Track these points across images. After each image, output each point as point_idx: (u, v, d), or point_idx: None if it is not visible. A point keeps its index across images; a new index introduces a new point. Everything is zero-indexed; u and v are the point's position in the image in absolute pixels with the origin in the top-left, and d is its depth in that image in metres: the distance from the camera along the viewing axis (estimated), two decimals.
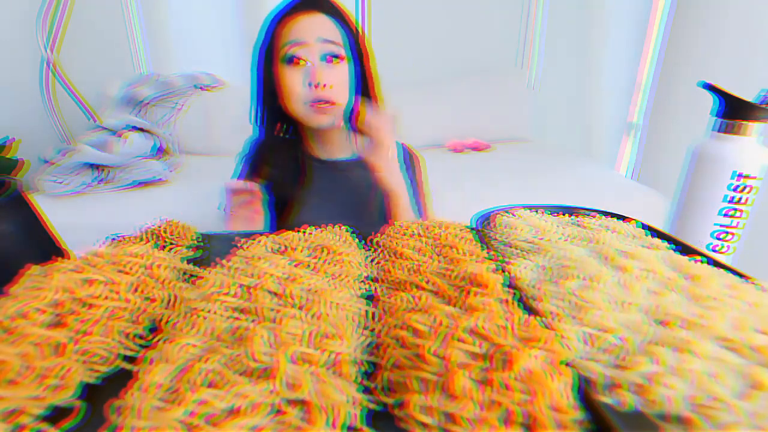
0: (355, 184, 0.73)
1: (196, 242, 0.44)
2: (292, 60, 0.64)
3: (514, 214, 0.48)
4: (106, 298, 0.30)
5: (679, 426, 0.21)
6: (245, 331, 0.26)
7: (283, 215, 0.70)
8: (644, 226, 0.46)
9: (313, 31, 0.63)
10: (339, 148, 0.74)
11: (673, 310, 0.29)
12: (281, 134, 0.73)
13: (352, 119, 0.69)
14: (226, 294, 0.31)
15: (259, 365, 0.24)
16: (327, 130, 0.70)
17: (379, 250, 0.41)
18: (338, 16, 0.66)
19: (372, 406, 0.23)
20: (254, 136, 0.75)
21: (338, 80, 0.66)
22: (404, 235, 0.43)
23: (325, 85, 0.64)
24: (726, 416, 0.21)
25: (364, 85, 0.70)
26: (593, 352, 0.26)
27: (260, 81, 0.69)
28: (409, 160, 0.78)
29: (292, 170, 0.71)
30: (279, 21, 0.65)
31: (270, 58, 0.66)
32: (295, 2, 0.65)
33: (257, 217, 0.65)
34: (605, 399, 0.23)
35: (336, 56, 0.65)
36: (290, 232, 0.44)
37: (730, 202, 0.48)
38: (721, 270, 0.36)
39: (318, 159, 0.73)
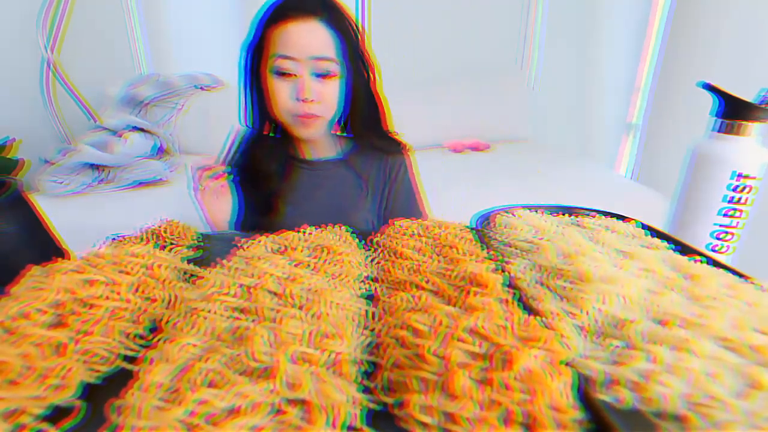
0: (340, 183, 0.72)
1: (196, 242, 0.44)
2: (280, 73, 0.62)
3: (514, 214, 0.48)
4: (107, 298, 0.30)
5: (676, 424, 0.21)
6: (245, 330, 0.26)
7: (269, 213, 0.70)
8: (644, 226, 0.46)
9: (305, 46, 0.60)
10: (324, 149, 0.73)
11: (673, 309, 0.29)
12: (270, 134, 0.72)
13: (336, 126, 0.68)
14: (226, 294, 0.31)
15: (259, 365, 0.24)
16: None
17: (379, 250, 0.41)
18: (334, 21, 0.62)
19: (372, 405, 0.23)
20: (245, 131, 0.74)
21: (327, 95, 0.64)
22: (404, 235, 0.43)
23: (313, 100, 0.62)
24: (723, 415, 0.21)
25: (357, 97, 0.68)
26: (592, 348, 0.26)
27: (248, 82, 0.67)
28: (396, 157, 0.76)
29: (277, 168, 0.70)
30: (270, 23, 0.62)
31: (259, 60, 0.64)
32: (287, 4, 0.61)
33: (225, 191, 0.65)
34: (604, 397, 0.23)
35: (327, 73, 0.63)
36: (290, 232, 0.44)
37: (729, 202, 0.48)
38: (721, 270, 0.36)
39: (303, 159, 0.73)
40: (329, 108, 0.65)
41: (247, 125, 0.71)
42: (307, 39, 0.61)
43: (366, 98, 0.69)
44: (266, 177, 0.69)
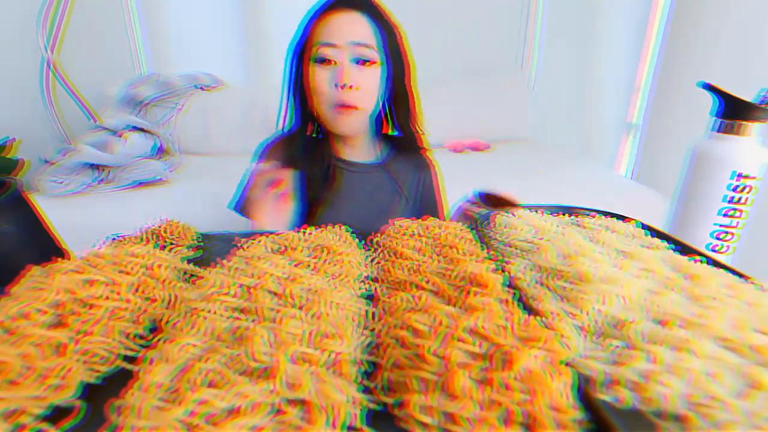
0: (378, 188, 0.72)
1: (196, 242, 0.44)
2: (322, 60, 0.63)
3: (514, 214, 0.48)
4: (107, 298, 0.30)
5: (676, 424, 0.21)
6: (245, 330, 0.26)
7: (307, 215, 0.70)
8: (644, 226, 0.46)
9: (345, 33, 0.62)
10: (363, 152, 0.73)
11: (673, 309, 0.29)
12: (313, 134, 0.72)
13: (378, 125, 0.68)
14: (226, 294, 0.31)
15: (259, 365, 0.24)
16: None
17: (379, 250, 0.41)
18: (375, 15, 0.64)
19: (372, 406, 0.23)
20: (279, 132, 0.73)
21: (366, 84, 0.64)
22: (404, 235, 0.43)
23: (351, 87, 0.63)
24: (723, 415, 0.21)
25: (397, 91, 0.68)
26: (592, 348, 0.26)
27: (293, 79, 0.68)
28: (426, 168, 0.77)
29: (318, 170, 0.70)
30: (315, 19, 0.64)
31: (302, 56, 0.66)
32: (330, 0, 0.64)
33: (285, 207, 0.63)
34: (604, 397, 0.23)
35: (367, 60, 0.64)
36: (290, 232, 0.44)
37: (729, 202, 0.48)
38: (721, 270, 0.36)
39: (343, 160, 0.73)
40: (368, 98, 0.65)
41: (286, 127, 0.71)
42: (349, 27, 0.63)
43: (403, 93, 0.69)
44: (309, 177, 0.68)
